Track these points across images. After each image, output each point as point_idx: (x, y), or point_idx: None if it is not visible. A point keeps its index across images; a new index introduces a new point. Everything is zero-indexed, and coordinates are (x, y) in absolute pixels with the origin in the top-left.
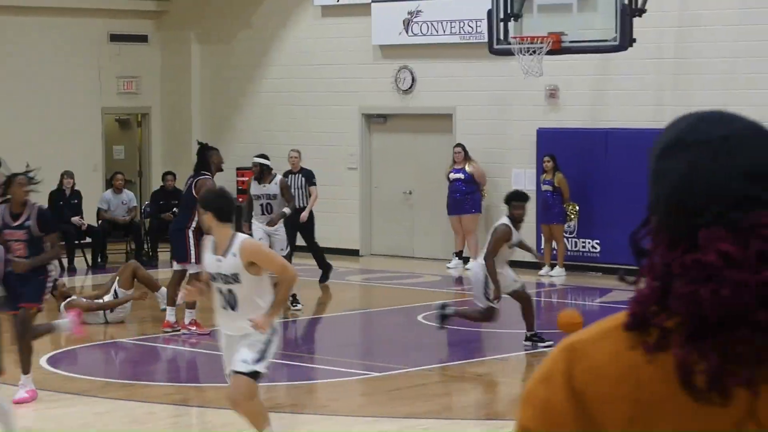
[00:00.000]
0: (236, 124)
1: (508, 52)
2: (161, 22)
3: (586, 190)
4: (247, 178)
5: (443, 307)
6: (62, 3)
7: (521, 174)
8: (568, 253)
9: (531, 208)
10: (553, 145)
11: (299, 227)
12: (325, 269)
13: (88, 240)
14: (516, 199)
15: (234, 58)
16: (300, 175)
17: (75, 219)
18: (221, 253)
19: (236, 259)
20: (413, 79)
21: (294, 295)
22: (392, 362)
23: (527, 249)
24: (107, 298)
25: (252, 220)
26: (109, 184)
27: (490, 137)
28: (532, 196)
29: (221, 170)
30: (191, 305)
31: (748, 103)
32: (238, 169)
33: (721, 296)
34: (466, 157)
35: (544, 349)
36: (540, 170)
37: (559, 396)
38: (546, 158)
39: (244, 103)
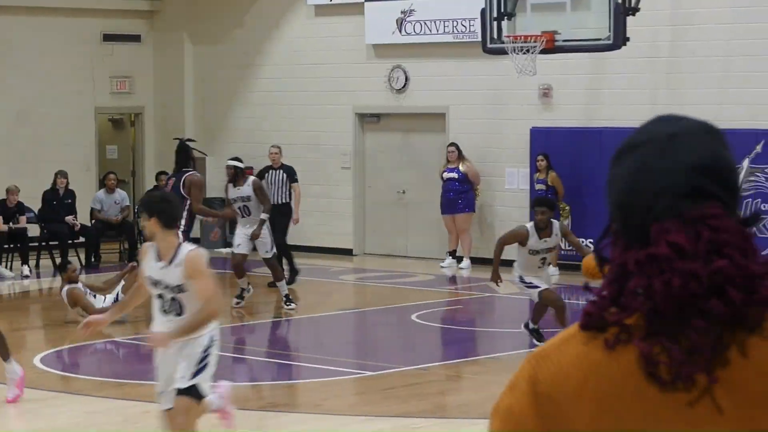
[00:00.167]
0: (229, 123)
1: (502, 51)
2: (154, 21)
3: (580, 189)
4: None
5: (526, 325)
6: (55, 3)
7: (515, 173)
8: (562, 252)
9: (524, 206)
10: (547, 145)
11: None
12: (293, 272)
13: (82, 240)
14: (537, 204)
15: (227, 58)
16: (281, 171)
17: (68, 218)
18: (166, 261)
19: (180, 270)
20: (407, 79)
21: (287, 295)
22: (386, 361)
23: (576, 247)
24: (109, 297)
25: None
26: (102, 183)
27: (484, 136)
28: (525, 195)
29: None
30: None
31: (741, 102)
32: (227, 167)
33: (673, 287)
34: (460, 157)
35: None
36: (533, 169)
37: (522, 402)
38: (539, 157)
39: (237, 103)
